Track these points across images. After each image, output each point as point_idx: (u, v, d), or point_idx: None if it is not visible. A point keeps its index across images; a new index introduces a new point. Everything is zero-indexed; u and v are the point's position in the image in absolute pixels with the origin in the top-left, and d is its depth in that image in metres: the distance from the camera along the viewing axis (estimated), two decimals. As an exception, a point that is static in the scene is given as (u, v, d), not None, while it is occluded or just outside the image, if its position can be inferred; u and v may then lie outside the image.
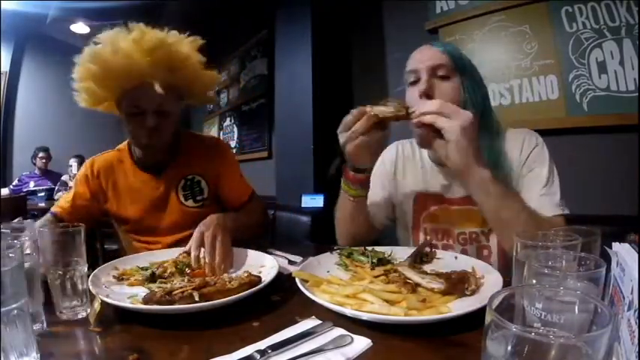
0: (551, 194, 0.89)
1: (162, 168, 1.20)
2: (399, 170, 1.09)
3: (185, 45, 1.09)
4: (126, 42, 1.00)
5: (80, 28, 3.98)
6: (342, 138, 0.86)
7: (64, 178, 3.88)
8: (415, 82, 0.91)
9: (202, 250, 0.89)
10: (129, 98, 1.06)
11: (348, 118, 0.85)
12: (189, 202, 1.21)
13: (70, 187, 1.26)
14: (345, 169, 0.95)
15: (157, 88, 1.01)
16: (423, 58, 0.91)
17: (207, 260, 0.86)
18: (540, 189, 0.89)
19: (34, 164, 4.19)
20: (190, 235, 0.95)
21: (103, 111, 1.17)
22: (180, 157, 1.22)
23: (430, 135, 0.78)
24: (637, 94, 1.53)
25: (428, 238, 1.02)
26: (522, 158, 0.93)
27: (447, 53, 0.90)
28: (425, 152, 1.06)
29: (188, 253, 0.90)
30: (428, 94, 0.87)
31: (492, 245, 0.97)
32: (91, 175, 1.19)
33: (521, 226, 0.77)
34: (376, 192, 1.08)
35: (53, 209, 1.17)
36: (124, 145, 1.25)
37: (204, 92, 1.24)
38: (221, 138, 4.15)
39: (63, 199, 1.20)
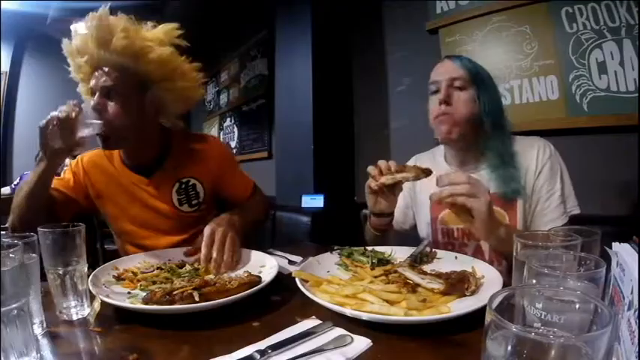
0: (564, 206, 0.98)
1: (152, 169, 1.15)
2: (418, 182, 1.13)
3: (153, 33, 1.06)
4: (90, 26, 1.03)
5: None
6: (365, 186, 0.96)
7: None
8: (436, 92, 1.02)
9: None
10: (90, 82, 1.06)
11: (369, 169, 0.95)
12: (185, 207, 1.17)
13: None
14: (369, 215, 1.06)
15: (102, 68, 1.02)
16: (443, 71, 1.02)
17: (214, 257, 0.87)
18: (557, 201, 0.97)
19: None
20: (187, 239, 0.96)
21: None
22: (172, 158, 1.17)
23: (456, 208, 0.84)
24: (637, 94, 1.53)
25: (445, 238, 1.08)
26: (538, 168, 0.99)
27: (464, 67, 1.00)
28: (441, 162, 1.14)
29: (191, 252, 0.91)
30: (446, 102, 0.99)
31: None
32: (77, 167, 1.16)
33: None
34: (399, 202, 1.12)
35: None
36: None
37: (182, 90, 1.13)
38: (221, 138, 4.15)
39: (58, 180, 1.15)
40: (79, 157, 1.18)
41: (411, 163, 1.23)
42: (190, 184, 1.17)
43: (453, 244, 1.06)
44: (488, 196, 0.81)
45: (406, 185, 1.17)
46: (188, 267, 0.88)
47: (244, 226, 1.02)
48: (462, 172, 0.86)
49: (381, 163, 0.93)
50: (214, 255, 0.88)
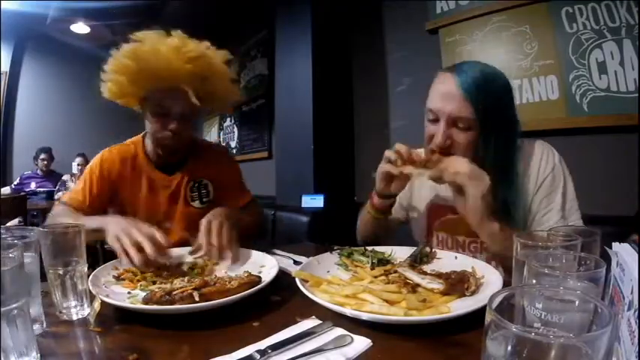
0: (566, 216, 0.91)
1: (174, 168, 1.24)
2: (415, 183, 1.11)
3: (219, 58, 1.15)
4: (167, 47, 1.04)
5: (80, 28, 3.98)
6: (380, 168, 0.92)
7: (65, 177, 3.88)
8: (434, 121, 0.89)
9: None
10: (158, 98, 1.09)
11: (389, 154, 0.89)
12: (196, 203, 1.26)
13: (76, 182, 1.25)
14: (371, 195, 1.02)
15: (192, 97, 1.06)
16: (446, 102, 0.85)
17: (214, 243, 0.91)
18: (554, 218, 0.90)
19: (37, 165, 4.18)
20: (191, 238, 0.97)
21: (121, 104, 1.18)
22: (191, 159, 1.27)
23: (453, 188, 0.83)
24: (637, 94, 1.53)
25: (440, 247, 1.04)
26: (539, 181, 0.92)
27: (471, 101, 0.82)
28: None
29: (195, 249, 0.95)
30: (443, 148, 0.86)
31: None
32: (109, 165, 1.19)
33: None
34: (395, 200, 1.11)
35: (66, 200, 1.16)
36: (137, 139, 1.26)
37: (226, 104, 1.31)
38: (221, 138, 4.15)
39: (76, 192, 1.18)
40: (104, 153, 1.21)
41: None
42: (203, 183, 1.28)
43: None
44: (487, 186, 0.79)
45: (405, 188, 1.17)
46: (185, 267, 0.88)
47: (238, 222, 1.05)
48: (465, 159, 0.81)
49: (401, 147, 0.87)
50: (214, 242, 0.91)
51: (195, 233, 0.99)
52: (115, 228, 0.87)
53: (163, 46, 1.04)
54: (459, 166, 0.80)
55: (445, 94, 0.86)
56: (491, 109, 0.84)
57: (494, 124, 0.85)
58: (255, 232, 1.34)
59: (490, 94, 0.84)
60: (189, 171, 1.25)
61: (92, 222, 0.93)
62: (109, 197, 1.20)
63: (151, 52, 1.04)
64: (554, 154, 0.94)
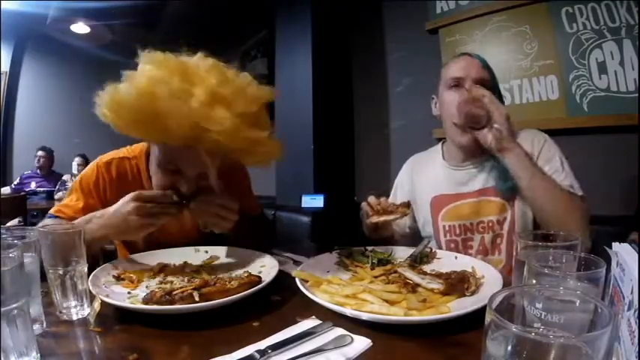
0: (566, 183, 0.96)
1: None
2: (416, 181, 1.19)
3: (252, 91, 0.83)
4: (177, 83, 0.74)
5: (80, 28, 3.98)
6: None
7: (65, 177, 3.88)
8: (455, 86, 1.02)
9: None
10: (169, 154, 0.85)
11: (364, 206, 0.97)
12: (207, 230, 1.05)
13: (70, 188, 1.04)
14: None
15: (206, 160, 0.81)
16: (465, 66, 1.02)
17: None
18: (560, 177, 0.97)
19: (38, 164, 4.19)
20: (193, 243, 0.93)
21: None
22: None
23: (467, 126, 0.97)
24: (637, 94, 1.54)
25: (447, 235, 1.09)
26: (535, 148, 1.01)
27: (487, 69, 1.02)
28: (438, 160, 1.16)
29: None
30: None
31: (504, 232, 1.02)
32: (104, 180, 0.99)
33: (557, 198, 0.91)
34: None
35: (57, 214, 0.97)
36: (139, 152, 1.03)
37: (261, 160, 0.93)
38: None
39: (69, 207, 0.98)
40: (99, 166, 1.01)
41: (407, 165, 1.25)
42: None
43: (455, 241, 1.07)
44: (506, 110, 0.93)
45: (404, 188, 1.21)
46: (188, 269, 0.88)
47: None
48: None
49: (371, 200, 0.95)
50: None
51: (198, 238, 0.94)
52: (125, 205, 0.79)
53: (171, 83, 0.74)
54: (483, 91, 0.94)
55: (466, 64, 1.03)
56: (495, 79, 1.04)
57: (497, 90, 1.02)
58: (260, 244, 1.07)
59: (493, 72, 1.04)
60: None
61: (94, 230, 0.81)
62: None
63: (167, 90, 0.73)
64: (543, 134, 1.04)
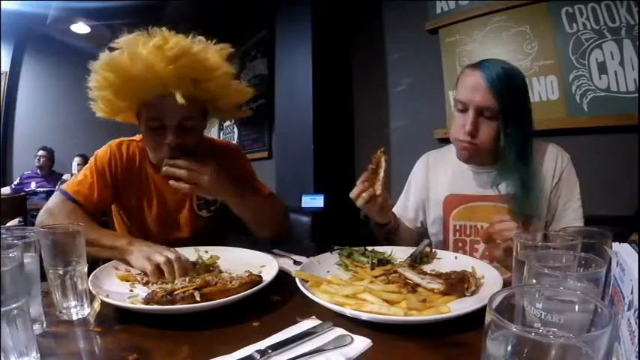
0: (580, 208, 1.00)
1: None
2: (431, 178, 1.17)
3: (212, 53, 0.99)
4: (146, 48, 0.90)
5: (80, 28, 3.98)
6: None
7: (65, 177, 3.88)
8: (462, 111, 0.97)
9: None
10: (149, 110, 0.97)
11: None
12: (203, 212, 1.17)
13: (85, 167, 1.10)
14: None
15: (179, 98, 0.91)
16: (474, 94, 0.94)
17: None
18: (575, 203, 1.00)
19: (40, 164, 4.18)
20: (198, 240, 0.95)
21: (122, 121, 1.08)
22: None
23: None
24: (637, 94, 1.53)
25: (457, 235, 1.08)
26: (556, 176, 1.01)
27: (496, 94, 0.92)
28: (454, 158, 1.12)
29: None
30: (472, 134, 0.95)
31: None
32: (116, 159, 1.07)
33: None
34: (410, 199, 1.19)
35: (75, 197, 1.01)
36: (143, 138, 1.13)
37: (234, 107, 1.12)
38: (221, 138, 4.15)
39: (82, 185, 1.04)
40: (113, 146, 1.10)
41: (423, 161, 1.22)
42: None
43: (464, 241, 1.07)
44: None
45: (418, 185, 1.20)
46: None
47: (233, 191, 1.01)
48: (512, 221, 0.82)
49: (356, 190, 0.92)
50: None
51: (202, 239, 0.96)
52: (142, 250, 0.85)
53: (142, 49, 0.90)
54: (508, 226, 0.80)
55: (472, 86, 0.95)
56: (512, 101, 0.93)
57: (514, 113, 0.94)
58: (279, 228, 1.17)
59: (511, 87, 0.94)
60: None
61: (108, 239, 0.88)
62: (114, 195, 1.10)
63: (129, 58, 0.90)
64: (566, 154, 1.03)
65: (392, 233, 1.08)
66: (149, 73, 0.90)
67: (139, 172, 1.11)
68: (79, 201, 1.01)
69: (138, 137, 1.14)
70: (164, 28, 0.94)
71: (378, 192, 0.89)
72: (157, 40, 0.91)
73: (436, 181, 1.15)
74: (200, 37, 0.98)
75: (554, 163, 1.01)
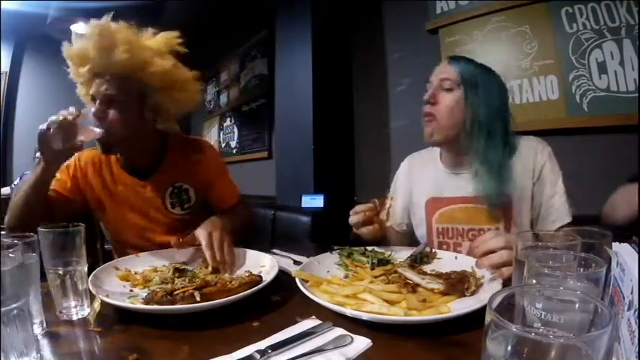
0: (566, 202, 0.98)
1: (148, 172, 1.17)
2: (414, 181, 1.18)
3: (156, 45, 1.08)
4: (85, 36, 1.02)
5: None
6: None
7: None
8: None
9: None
10: (89, 88, 1.07)
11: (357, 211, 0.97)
12: (177, 210, 1.20)
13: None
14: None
15: (104, 78, 1.02)
16: (437, 71, 1.04)
17: (219, 258, 0.88)
18: (560, 199, 0.98)
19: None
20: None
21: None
22: (168, 161, 1.19)
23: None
24: (637, 94, 1.53)
25: (440, 237, 1.08)
26: (536, 171, 0.99)
27: (458, 69, 1.00)
28: (437, 161, 1.14)
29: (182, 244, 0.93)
30: (430, 102, 1.01)
31: None
32: (76, 167, 1.16)
33: None
34: (395, 202, 1.16)
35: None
36: None
37: (180, 96, 1.15)
38: (221, 138, 4.15)
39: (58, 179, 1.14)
40: (75, 156, 1.18)
41: (405, 163, 1.25)
42: (183, 188, 1.20)
43: (447, 243, 1.07)
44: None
45: (403, 189, 1.21)
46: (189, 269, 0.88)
47: (233, 229, 1.02)
48: (499, 235, 0.78)
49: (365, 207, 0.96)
50: (218, 256, 0.89)
51: (178, 236, 0.98)
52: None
53: (88, 34, 1.01)
54: (496, 243, 0.76)
55: (441, 67, 1.04)
56: (476, 77, 0.99)
57: (477, 87, 0.97)
58: (249, 233, 1.26)
59: (476, 72, 1.00)
60: (165, 175, 1.18)
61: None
62: (73, 201, 1.15)
63: (83, 44, 1.03)
64: (547, 146, 1.02)
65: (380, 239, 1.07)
66: (81, 54, 1.03)
67: (102, 177, 1.17)
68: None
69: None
70: (104, 18, 1.04)
71: (389, 223, 0.95)
72: (91, 27, 1.01)
73: (418, 184, 1.16)
74: (150, 28, 1.10)
75: (531, 160, 0.99)
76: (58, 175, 1.12)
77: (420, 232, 1.14)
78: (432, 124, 1.00)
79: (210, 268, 0.88)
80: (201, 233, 0.93)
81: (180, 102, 1.16)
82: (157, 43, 1.09)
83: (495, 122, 0.98)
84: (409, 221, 1.20)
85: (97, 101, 1.04)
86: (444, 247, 1.07)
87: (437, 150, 1.16)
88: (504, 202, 0.96)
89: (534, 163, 0.99)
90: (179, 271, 0.84)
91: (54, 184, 1.11)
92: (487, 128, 0.97)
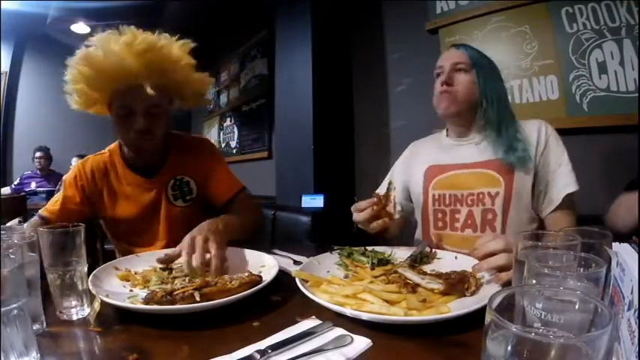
0: (572, 172, 1.02)
1: (153, 170, 1.20)
2: (414, 159, 1.23)
3: (176, 48, 1.10)
4: (118, 44, 1.01)
5: (80, 28, 3.98)
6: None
7: (65, 177, 3.88)
8: (439, 75, 1.11)
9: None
10: (119, 99, 1.07)
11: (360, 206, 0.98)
12: (179, 202, 1.22)
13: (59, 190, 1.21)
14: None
15: (148, 89, 1.02)
16: (448, 57, 1.12)
17: (194, 264, 0.81)
18: (566, 167, 1.02)
19: (39, 164, 4.18)
20: (179, 240, 0.94)
21: (95, 113, 1.17)
22: (170, 158, 1.23)
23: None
24: (637, 94, 1.53)
25: (436, 205, 1.11)
26: (541, 143, 1.04)
27: (467, 53, 1.10)
28: (438, 137, 1.21)
29: (167, 260, 0.88)
30: (448, 83, 1.07)
31: (497, 208, 1.02)
32: (82, 177, 1.18)
33: None
34: (398, 180, 1.23)
35: (41, 212, 1.15)
36: (114, 146, 1.24)
37: (197, 95, 1.24)
38: (221, 138, 4.15)
39: (51, 203, 1.17)
40: (79, 165, 1.21)
41: (408, 148, 1.31)
42: (185, 180, 1.23)
43: (443, 211, 1.09)
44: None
45: (401, 167, 1.27)
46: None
47: (230, 229, 0.99)
48: (499, 238, 0.77)
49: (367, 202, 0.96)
50: (196, 262, 0.82)
51: (179, 234, 0.93)
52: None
53: (114, 45, 1.01)
54: (495, 247, 0.75)
55: (449, 53, 1.13)
56: (482, 60, 1.11)
57: (484, 68, 1.09)
58: (257, 229, 1.25)
59: (481, 57, 1.12)
60: (169, 170, 1.21)
61: None
62: (88, 210, 1.18)
63: (103, 53, 1.01)
64: (549, 125, 1.08)
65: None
66: (120, 66, 1.01)
67: (108, 180, 1.19)
68: (43, 215, 1.13)
69: (103, 151, 1.24)
70: (133, 27, 1.05)
71: (396, 217, 0.96)
72: (126, 37, 1.01)
73: (419, 159, 1.20)
74: (165, 34, 1.10)
75: (536, 133, 1.05)
76: (67, 191, 1.17)
77: (418, 202, 1.17)
78: (449, 99, 1.07)
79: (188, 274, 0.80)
80: (184, 239, 0.89)
81: (194, 103, 1.25)
82: (180, 52, 1.11)
83: (502, 101, 1.08)
84: (406, 202, 1.24)
85: (140, 114, 1.06)
86: (440, 215, 1.09)
87: (442, 133, 1.22)
88: (509, 163, 1.01)
89: (539, 135, 1.04)
90: (169, 270, 0.84)
91: (64, 201, 1.15)
92: (498, 103, 1.06)
